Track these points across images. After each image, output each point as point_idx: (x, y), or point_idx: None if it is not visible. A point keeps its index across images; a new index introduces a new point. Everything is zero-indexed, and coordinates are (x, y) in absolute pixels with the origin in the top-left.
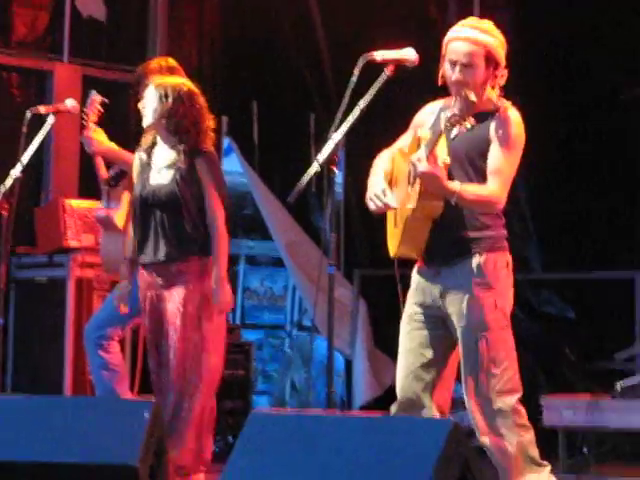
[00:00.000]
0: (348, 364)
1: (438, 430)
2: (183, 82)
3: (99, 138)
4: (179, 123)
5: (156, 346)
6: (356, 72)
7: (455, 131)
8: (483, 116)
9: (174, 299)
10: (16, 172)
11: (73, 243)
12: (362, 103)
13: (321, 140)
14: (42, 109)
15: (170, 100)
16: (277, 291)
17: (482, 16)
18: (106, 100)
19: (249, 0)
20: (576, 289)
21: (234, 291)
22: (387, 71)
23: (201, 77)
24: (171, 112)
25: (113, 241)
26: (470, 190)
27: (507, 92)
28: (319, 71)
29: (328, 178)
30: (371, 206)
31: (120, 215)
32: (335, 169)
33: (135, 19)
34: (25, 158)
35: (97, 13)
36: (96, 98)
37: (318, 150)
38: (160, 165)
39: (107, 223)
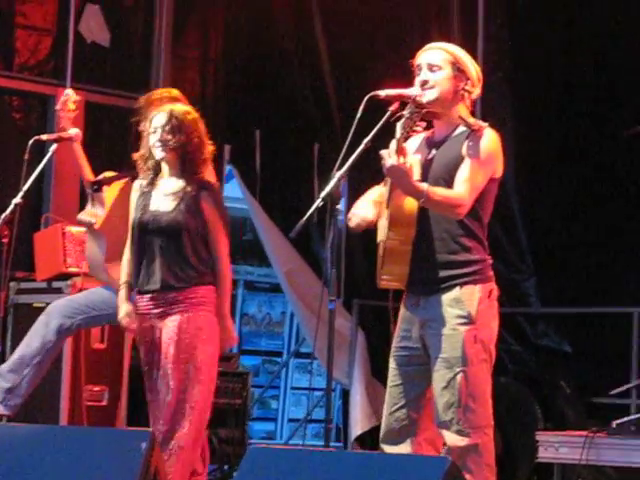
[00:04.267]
0: (345, 394)
1: (435, 468)
2: (190, 111)
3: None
4: (188, 153)
5: (150, 375)
6: (361, 110)
7: (433, 152)
8: (459, 136)
9: (168, 328)
10: (17, 199)
11: (73, 269)
12: (367, 140)
13: (325, 170)
14: (45, 137)
15: (183, 131)
16: (275, 317)
17: (485, 48)
18: (79, 98)
19: (254, 28)
20: (573, 323)
21: (232, 316)
22: (392, 108)
23: (204, 104)
24: (185, 143)
25: (96, 246)
26: (438, 191)
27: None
28: (323, 100)
29: (331, 213)
30: (350, 224)
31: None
32: (338, 206)
33: (139, 45)
34: (26, 185)
35: (101, 38)
36: (70, 96)
37: (321, 180)
38: (163, 193)
39: (91, 228)
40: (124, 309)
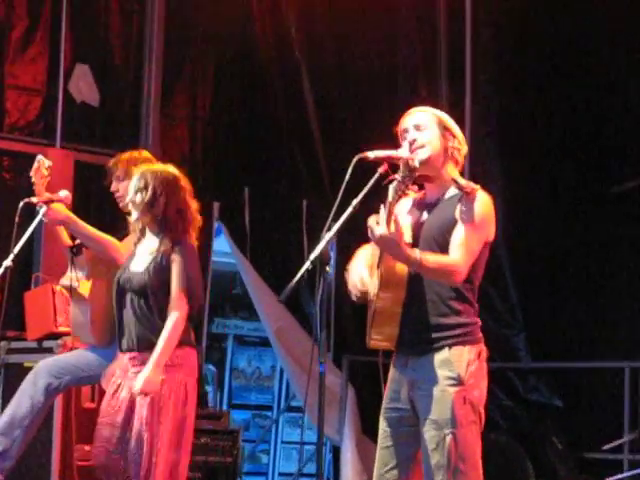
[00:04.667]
0: (336, 452)
1: None
2: (165, 168)
3: (56, 206)
4: (160, 213)
5: (113, 433)
6: (349, 171)
7: (425, 215)
8: (451, 199)
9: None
10: (7, 262)
11: (63, 328)
12: (355, 202)
13: (313, 226)
14: (35, 199)
15: (150, 191)
16: (265, 371)
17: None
18: (51, 163)
19: (242, 87)
20: (564, 378)
21: (222, 371)
22: (380, 169)
23: (193, 163)
24: (152, 203)
25: (80, 310)
26: (430, 258)
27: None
28: (312, 157)
29: (320, 275)
30: (352, 297)
31: (85, 284)
32: (327, 268)
33: (128, 105)
34: (17, 248)
35: (90, 98)
36: (42, 162)
37: (310, 237)
38: (142, 253)
39: (73, 292)
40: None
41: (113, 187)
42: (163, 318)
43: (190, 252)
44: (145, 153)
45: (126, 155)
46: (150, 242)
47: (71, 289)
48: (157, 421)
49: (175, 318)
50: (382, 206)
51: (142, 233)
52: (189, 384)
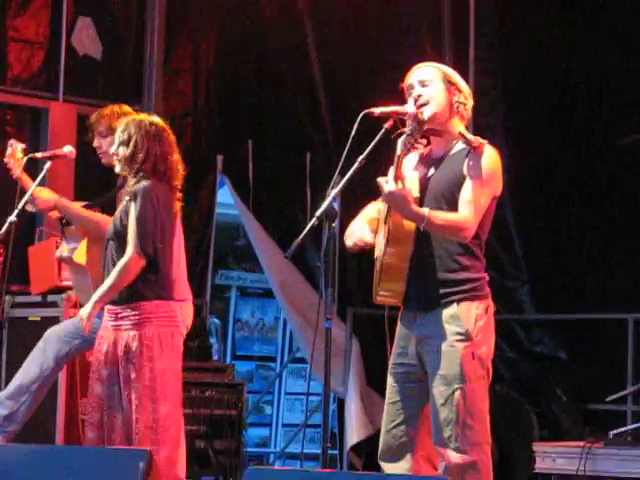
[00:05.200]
0: (340, 403)
1: None
2: (148, 119)
3: (43, 195)
4: (139, 164)
5: (103, 389)
6: (355, 127)
7: (432, 170)
8: (458, 154)
9: (119, 346)
10: (12, 217)
11: (67, 282)
12: (361, 158)
13: (317, 179)
14: (39, 155)
15: (132, 144)
16: (268, 323)
17: (476, 76)
18: (25, 146)
19: (245, 40)
20: (568, 330)
21: (225, 322)
22: (386, 125)
23: (196, 116)
24: (133, 156)
25: (81, 278)
26: (439, 215)
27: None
28: (315, 110)
29: (327, 231)
30: (347, 243)
31: (79, 252)
32: (334, 225)
33: (131, 58)
34: (21, 204)
35: (93, 51)
36: (16, 147)
37: (313, 189)
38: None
39: (70, 263)
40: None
41: (96, 143)
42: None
43: (151, 196)
44: (126, 107)
45: (107, 110)
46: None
47: (69, 260)
48: (134, 378)
49: (122, 262)
50: (391, 168)
51: (124, 184)
52: (162, 336)
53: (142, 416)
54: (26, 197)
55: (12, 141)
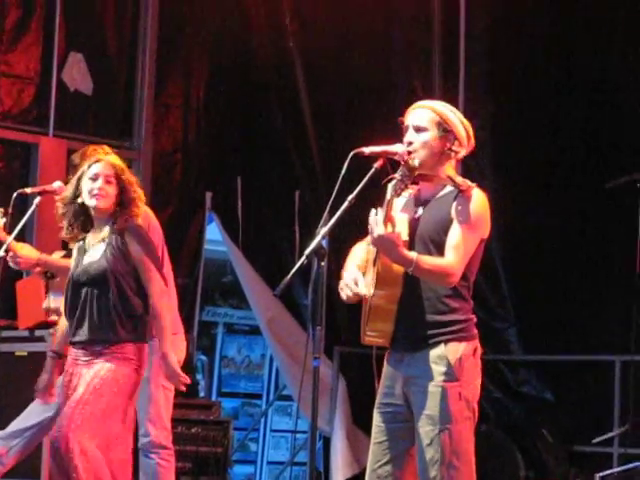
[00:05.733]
0: (326, 441)
1: None
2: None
3: (24, 253)
4: (124, 201)
5: None
6: (345, 167)
7: (420, 211)
8: (447, 196)
9: (87, 374)
10: (0, 252)
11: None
12: (351, 197)
13: (306, 217)
14: (28, 190)
15: (121, 180)
16: (255, 360)
17: (465, 116)
18: (5, 210)
19: (236, 77)
20: (555, 371)
21: (212, 359)
22: (376, 164)
23: (186, 152)
24: (120, 191)
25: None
26: (427, 260)
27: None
28: (305, 147)
29: (316, 269)
30: (342, 295)
31: None
32: (323, 264)
33: (122, 94)
34: (10, 239)
35: (84, 87)
36: None
37: (302, 227)
38: (93, 243)
39: (59, 314)
40: (43, 380)
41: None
42: (126, 306)
43: (142, 230)
44: (107, 148)
45: (91, 149)
46: (99, 233)
47: (55, 311)
48: (86, 400)
49: (158, 299)
50: (379, 209)
51: (84, 227)
52: (133, 379)
53: (75, 437)
54: (1, 251)
55: None
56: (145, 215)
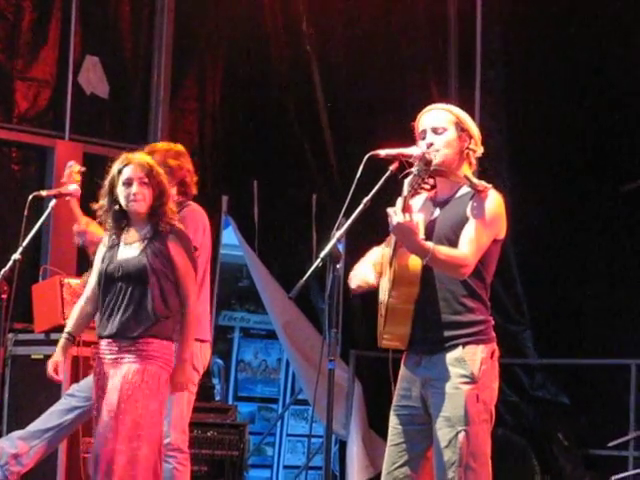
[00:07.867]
0: (342, 445)
1: None
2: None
3: (92, 229)
4: (161, 204)
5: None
6: (360, 169)
7: (437, 212)
8: (463, 197)
9: (115, 378)
10: (16, 255)
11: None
12: (366, 199)
13: (323, 220)
14: (44, 193)
15: (159, 182)
16: (271, 364)
17: (481, 119)
18: (83, 169)
19: (251, 80)
20: (571, 375)
21: (228, 363)
22: (392, 167)
23: (202, 155)
24: (158, 194)
25: None
26: (442, 250)
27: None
28: (321, 150)
29: (331, 272)
30: (351, 284)
31: None
32: (338, 266)
33: (138, 97)
34: (26, 241)
35: (100, 90)
36: (74, 168)
37: (319, 230)
38: (130, 241)
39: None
40: (54, 358)
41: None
42: (161, 304)
43: (188, 238)
44: (179, 146)
45: (161, 146)
46: (137, 231)
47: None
48: (123, 409)
49: (192, 309)
50: (399, 198)
51: (119, 224)
52: (162, 377)
53: (121, 447)
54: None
55: (70, 162)
56: (201, 216)
